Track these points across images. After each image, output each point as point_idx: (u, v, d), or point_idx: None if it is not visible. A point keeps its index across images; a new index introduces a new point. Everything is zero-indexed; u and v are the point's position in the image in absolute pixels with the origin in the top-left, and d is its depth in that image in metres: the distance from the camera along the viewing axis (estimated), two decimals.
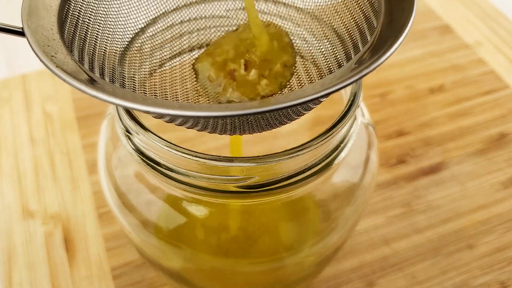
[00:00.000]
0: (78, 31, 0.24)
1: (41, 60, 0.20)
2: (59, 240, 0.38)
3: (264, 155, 0.23)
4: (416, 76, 0.50)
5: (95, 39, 0.25)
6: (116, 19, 0.26)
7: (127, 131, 0.25)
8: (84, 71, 0.21)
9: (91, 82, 0.20)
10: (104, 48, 0.25)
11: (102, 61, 0.25)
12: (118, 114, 0.25)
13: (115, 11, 0.26)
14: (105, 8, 0.26)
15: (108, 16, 0.26)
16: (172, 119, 0.23)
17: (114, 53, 0.26)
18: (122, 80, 0.25)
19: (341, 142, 0.25)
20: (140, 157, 0.25)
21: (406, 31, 0.20)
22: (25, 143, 0.44)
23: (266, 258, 0.29)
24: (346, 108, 0.25)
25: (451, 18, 0.57)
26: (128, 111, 0.25)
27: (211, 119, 0.22)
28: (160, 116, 0.23)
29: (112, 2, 0.26)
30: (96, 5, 0.25)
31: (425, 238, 0.38)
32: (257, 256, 0.30)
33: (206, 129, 0.23)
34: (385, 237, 0.38)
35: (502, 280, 0.36)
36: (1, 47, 0.54)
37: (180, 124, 0.23)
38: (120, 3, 0.27)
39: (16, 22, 0.22)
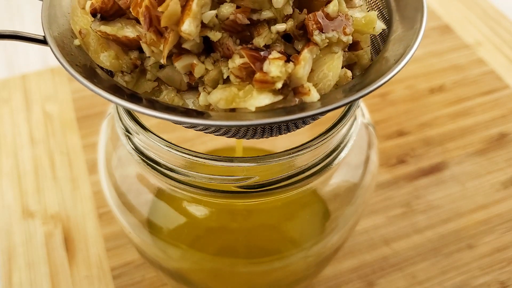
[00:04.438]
0: None
1: (67, 70, 0.20)
2: (59, 240, 0.38)
3: (264, 155, 0.23)
4: (416, 76, 0.50)
5: None
6: None
7: (127, 131, 0.25)
8: (108, 80, 0.20)
9: (123, 93, 0.20)
10: None
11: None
12: (118, 114, 0.25)
13: None
14: None
15: None
16: (193, 126, 0.23)
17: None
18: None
19: (341, 142, 0.25)
20: (140, 157, 0.25)
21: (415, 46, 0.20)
22: (25, 143, 0.44)
23: (266, 258, 0.29)
24: (346, 108, 0.25)
25: (451, 18, 0.57)
26: (128, 111, 0.24)
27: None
28: (191, 126, 0.23)
29: None
30: None
31: (425, 238, 0.38)
32: (257, 256, 0.30)
33: (216, 132, 0.23)
34: (385, 237, 0.38)
35: (502, 280, 0.36)
36: (1, 47, 0.54)
37: (200, 130, 0.23)
38: None
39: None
